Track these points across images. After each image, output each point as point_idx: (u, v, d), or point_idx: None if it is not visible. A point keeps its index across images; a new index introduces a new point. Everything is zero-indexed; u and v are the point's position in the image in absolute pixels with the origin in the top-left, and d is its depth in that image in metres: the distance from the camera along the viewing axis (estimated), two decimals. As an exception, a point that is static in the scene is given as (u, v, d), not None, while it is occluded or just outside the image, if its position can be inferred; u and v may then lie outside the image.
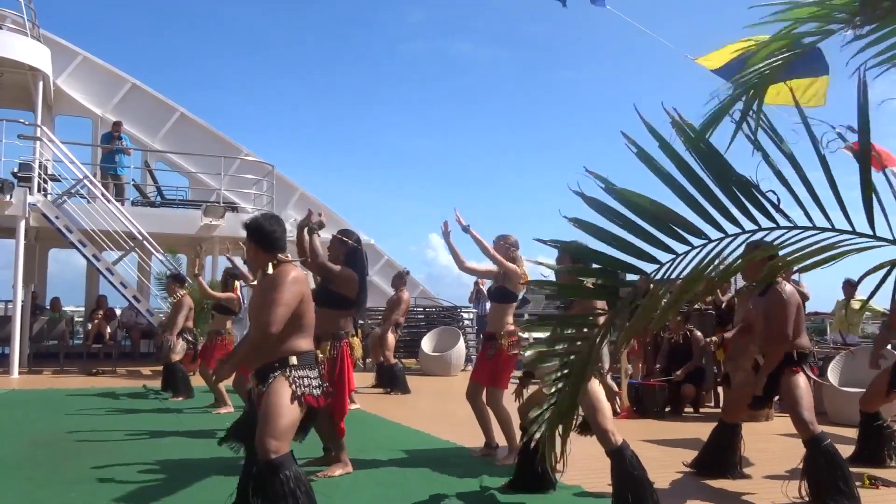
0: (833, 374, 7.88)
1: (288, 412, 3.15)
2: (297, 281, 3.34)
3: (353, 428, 5.56)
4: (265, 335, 3.17)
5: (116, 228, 12.51)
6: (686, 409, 8.23)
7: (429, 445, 5.36)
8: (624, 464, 3.83)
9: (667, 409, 8.09)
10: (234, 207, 14.73)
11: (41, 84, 13.59)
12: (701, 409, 8.37)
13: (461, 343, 12.98)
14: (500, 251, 5.55)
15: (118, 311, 14.90)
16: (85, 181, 12.89)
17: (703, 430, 6.48)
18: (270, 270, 3.39)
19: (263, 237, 3.52)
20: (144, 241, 12.79)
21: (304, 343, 3.37)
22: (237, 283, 8.33)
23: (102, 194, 12.93)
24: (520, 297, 5.81)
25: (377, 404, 8.10)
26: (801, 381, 4.57)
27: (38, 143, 12.77)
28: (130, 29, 53.60)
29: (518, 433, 5.32)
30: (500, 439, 5.55)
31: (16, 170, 13.08)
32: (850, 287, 10.23)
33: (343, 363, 4.87)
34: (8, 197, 11.65)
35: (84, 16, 45.87)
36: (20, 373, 11.07)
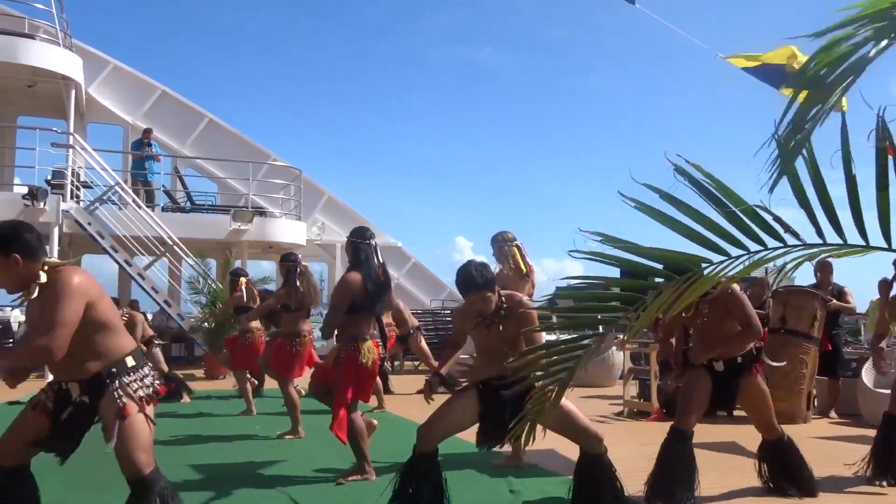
0: (868, 375, 7.73)
1: (142, 423, 3.02)
2: (79, 290, 2.96)
3: (387, 433, 5.58)
4: (46, 355, 2.87)
5: (147, 234, 12.69)
6: (718, 412, 8.11)
7: (458, 449, 5.34)
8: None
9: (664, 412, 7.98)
10: (262, 212, 14.88)
11: (73, 93, 13.82)
12: (734, 412, 8.24)
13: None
14: (495, 250, 5.71)
15: (150, 316, 15.10)
16: (116, 188, 13.10)
17: (735, 433, 6.42)
18: (44, 279, 3.01)
19: (26, 244, 3.03)
20: (175, 246, 12.95)
21: (127, 340, 3.14)
22: (242, 280, 8.45)
23: (133, 200, 13.13)
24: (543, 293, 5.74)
25: (413, 410, 8.10)
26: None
27: (70, 150, 12.99)
28: (158, 37, 54.35)
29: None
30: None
31: (49, 177, 13.32)
32: (885, 286, 10.02)
33: (346, 366, 4.77)
34: (42, 204, 11.86)
35: (113, 25, 46.62)
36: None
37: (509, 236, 5.72)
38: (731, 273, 2.02)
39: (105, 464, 3.18)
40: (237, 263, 13.70)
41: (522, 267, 5.61)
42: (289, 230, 14.76)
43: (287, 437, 6.48)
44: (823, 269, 8.19)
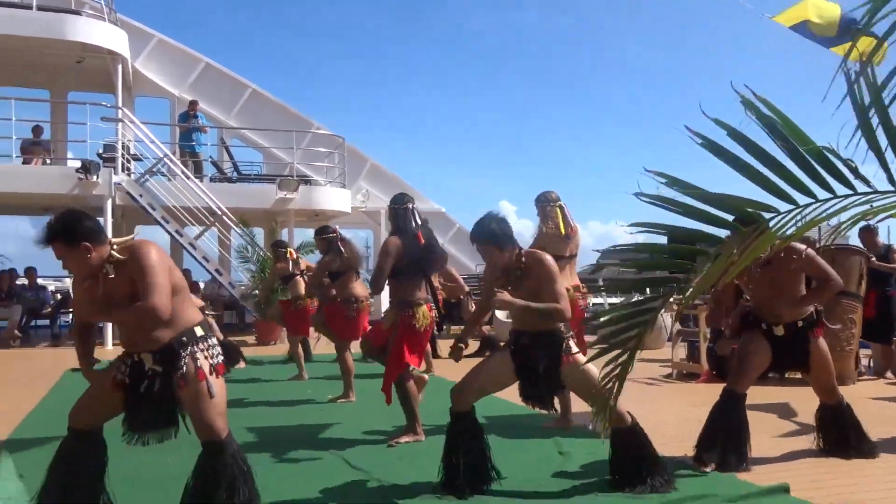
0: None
1: (221, 388, 3.13)
2: (161, 257, 3.06)
3: (435, 396, 5.64)
4: (155, 318, 2.96)
5: (196, 204, 12.92)
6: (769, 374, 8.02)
7: (507, 412, 5.40)
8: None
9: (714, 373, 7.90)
10: (307, 180, 15.00)
11: (120, 67, 14.04)
12: (785, 375, 8.15)
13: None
14: (538, 209, 5.66)
15: (202, 285, 15.43)
16: (165, 160, 13.33)
17: (786, 395, 6.35)
18: (120, 256, 3.07)
19: (90, 231, 3.07)
20: (223, 216, 13.18)
21: (194, 312, 3.22)
22: (289, 249, 8.59)
23: (182, 172, 13.35)
24: (568, 255, 5.67)
25: (461, 374, 8.19)
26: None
27: (119, 124, 13.23)
28: (200, 9, 54.69)
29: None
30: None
31: (100, 151, 13.62)
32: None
33: (400, 330, 4.87)
34: (95, 177, 12.15)
35: (157, -2, 47.01)
36: (114, 344, 11.64)
37: (553, 196, 5.67)
38: (799, 224, 1.87)
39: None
40: (283, 232, 13.92)
41: (562, 229, 5.56)
42: (334, 198, 14.87)
43: (339, 401, 6.62)
44: (868, 233, 7.98)
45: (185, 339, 3.09)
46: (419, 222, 5.05)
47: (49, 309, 13.55)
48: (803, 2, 5.61)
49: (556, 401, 4.32)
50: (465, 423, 3.85)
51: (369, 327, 6.71)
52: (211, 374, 3.10)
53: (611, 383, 2.32)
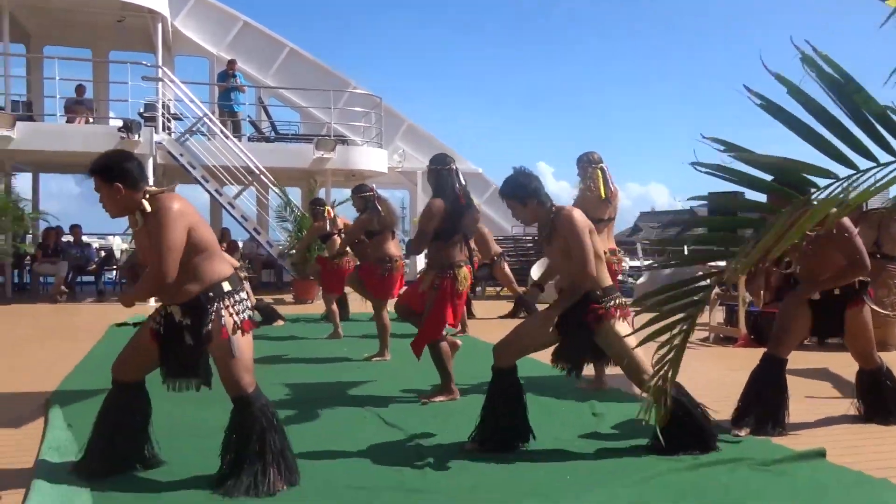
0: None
1: (247, 344, 3.21)
2: (182, 214, 3.12)
3: (469, 356, 5.69)
4: (164, 284, 3.06)
5: (235, 164, 13.03)
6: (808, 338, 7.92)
7: (540, 373, 5.42)
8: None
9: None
10: (344, 140, 15.01)
11: (160, 26, 14.11)
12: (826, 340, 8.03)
13: (618, 296, 12.81)
14: (579, 169, 5.61)
15: (240, 244, 15.64)
16: (205, 119, 13.43)
17: (825, 360, 6.27)
18: (148, 208, 3.15)
19: (128, 174, 3.17)
20: (262, 176, 13.28)
21: (223, 266, 3.27)
22: (327, 208, 8.63)
23: (221, 131, 13.45)
24: (607, 218, 5.60)
25: (495, 334, 8.22)
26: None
27: (160, 83, 13.34)
28: (240, -34, 54.45)
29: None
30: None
31: (141, 110, 13.78)
32: None
33: (440, 293, 4.88)
34: (136, 136, 12.31)
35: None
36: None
37: (595, 157, 5.57)
38: (860, 190, 1.73)
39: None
40: (321, 192, 13.99)
41: (602, 192, 5.49)
42: (371, 158, 14.88)
43: (374, 359, 6.70)
44: None
45: (211, 294, 3.18)
46: (462, 183, 5.04)
47: (94, 266, 13.87)
48: None
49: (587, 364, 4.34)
50: (508, 380, 3.87)
51: (404, 288, 6.77)
52: (235, 332, 3.17)
53: (665, 368, 2.23)
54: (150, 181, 12.23)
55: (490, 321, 9.60)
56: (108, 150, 3.39)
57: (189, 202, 3.25)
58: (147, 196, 3.19)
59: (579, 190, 5.57)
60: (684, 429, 3.65)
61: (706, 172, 1.87)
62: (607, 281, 3.86)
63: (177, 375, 3.34)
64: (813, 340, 7.75)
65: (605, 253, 5.39)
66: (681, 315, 2.15)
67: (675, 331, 2.17)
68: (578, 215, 3.79)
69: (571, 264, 3.75)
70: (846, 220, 4.11)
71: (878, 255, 7.43)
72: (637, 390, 4.15)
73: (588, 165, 5.53)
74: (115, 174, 3.16)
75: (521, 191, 3.85)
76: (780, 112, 1.73)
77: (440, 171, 5.02)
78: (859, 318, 4.26)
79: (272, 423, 3.24)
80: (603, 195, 5.49)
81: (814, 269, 4.27)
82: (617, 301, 3.77)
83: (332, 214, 8.74)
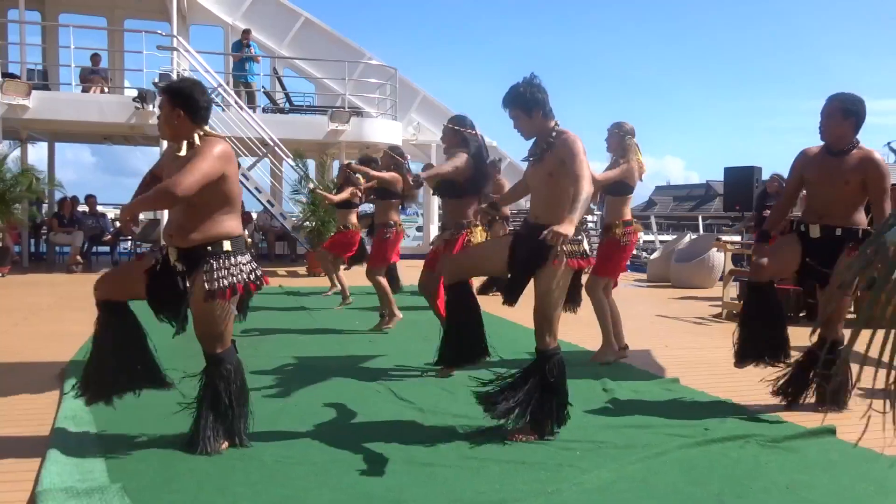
0: None
1: (228, 307, 3.25)
2: (224, 157, 3.18)
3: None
4: (170, 196, 3.05)
5: (249, 135, 13.03)
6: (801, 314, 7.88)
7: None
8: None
9: (801, 314, 7.78)
10: (358, 112, 14.96)
11: (175, -6, 14.06)
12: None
13: (585, 245, 12.83)
14: (615, 139, 5.46)
15: (254, 216, 15.67)
16: (219, 89, 13.41)
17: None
18: (198, 142, 3.22)
19: (193, 104, 3.26)
20: (276, 147, 13.27)
21: (235, 225, 3.29)
22: (359, 177, 8.53)
23: (236, 102, 13.43)
24: (644, 194, 5.63)
25: (495, 306, 8.22)
26: None
27: (175, 53, 13.31)
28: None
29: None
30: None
31: (156, 80, 13.76)
32: None
33: (459, 249, 4.92)
34: (151, 107, 12.32)
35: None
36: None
37: (629, 128, 5.48)
38: None
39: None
40: (335, 164, 13.96)
41: (642, 164, 5.48)
42: (385, 130, 14.82)
43: (385, 327, 6.74)
44: None
45: (209, 247, 3.22)
46: (486, 145, 5.16)
47: (109, 236, 13.97)
48: None
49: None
50: (457, 294, 3.86)
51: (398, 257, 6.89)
52: (219, 293, 3.20)
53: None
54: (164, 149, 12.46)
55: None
56: (186, 78, 3.57)
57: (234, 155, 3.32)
58: (202, 133, 3.27)
59: (613, 161, 5.49)
60: None
61: None
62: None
63: (161, 311, 3.43)
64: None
65: (617, 223, 5.41)
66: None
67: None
68: (580, 143, 3.59)
69: (555, 190, 3.57)
70: (881, 159, 4.03)
71: None
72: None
73: (626, 136, 5.45)
74: (180, 99, 3.25)
75: (528, 101, 3.64)
76: None
77: (467, 134, 5.06)
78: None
79: (230, 386, 3.32)
80: (644, 168, 5.49)
81: (822, 198, 4.14)
82: (580, 249, 3.60)
83: (364, 185, 8.57)
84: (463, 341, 3.88)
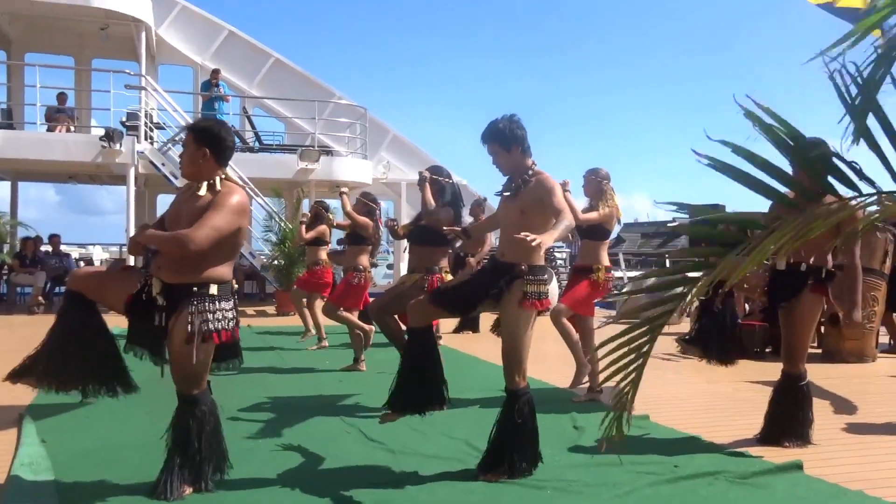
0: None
1: (206, 352, 3.21)
2: (241, 211, 3.19)
3: (447, 367, 5.66)
4: (184, 249, 3.05)
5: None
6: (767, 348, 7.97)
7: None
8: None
9: (767, 350, 7.87)
10: (328, 151, 14.99)
11: (144, 34, 14.05)
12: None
13: (554, 283, 12.89)
14: (592, 185, 5.51)
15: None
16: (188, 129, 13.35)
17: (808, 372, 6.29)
18: (219, 186, 3.23)
19: (220, 145, 3.27)
20: (245, 186, 13.19)
21: (227, 271, 3.27)
22: (330, 215, 8.52)
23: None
24: (614, 234, 5.72)
25: (470, 344, 8.21)
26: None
27: (143, 92, 13.27)
28: (225, -24, 54.41)
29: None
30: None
31: (124, 119, 13.69)
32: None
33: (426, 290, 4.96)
34: (118, 146, 12.22)
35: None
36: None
37: (605, 173, 5.56)
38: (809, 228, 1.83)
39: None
40: (305, 202, 13.94)
41: (619, 209, 5.55)
42: (355, 169, 14.86)
43: (361, 363, 6.75)
44: None
45: (195, 288, 3.17)
46: (460, 197, 5.30)
47: (74, 275, 13.70)
48: None
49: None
50: (419, 339, 3.77)
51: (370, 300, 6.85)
52: (198, 337, 3.14)
53: (627, 388, 2.24)
54: (132, 192, 12.25)
55: (462, 332, 9.59)
56: (212, 118, 3.56)
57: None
58: (222, 177, 3.27)
59: (589, 205, 5.54)
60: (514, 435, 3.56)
61: (707, 164, 1.89)
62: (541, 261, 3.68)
63: (136, 343, 3.34)
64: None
65: (599, 268, 5.45)
66: (648, 323, 2.22)
67: (643, 338, 2.24)
68: (554, 182, 3.63)
69: (526, 227, 3.48)
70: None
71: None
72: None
73: (601, 181, 5.52)
74: (208, 139, 3.26)
75: (508, 137, 3.66)
76: (727, 168, 1.86)
77: (451, 183, 5.23)
78: (813, 307, 4.15)
79: (203, 428, 3.26)
80: (620, 213, 5.55)
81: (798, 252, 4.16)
82: (543, 290, 3.60)
83: (333, 223, 8.54)
84: (416, 388, 3.73)
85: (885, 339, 8.33)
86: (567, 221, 3.42)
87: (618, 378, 2.30)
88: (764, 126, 1.78)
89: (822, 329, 8.00)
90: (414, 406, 3.75)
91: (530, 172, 3.68)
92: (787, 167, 1.88)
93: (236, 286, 3.42)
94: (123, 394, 3.51)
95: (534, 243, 3.18)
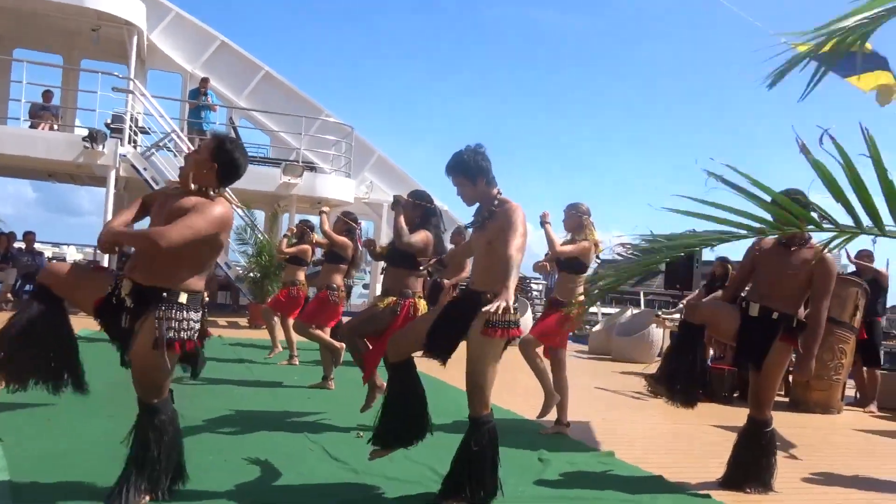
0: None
1: (167, 361, 3.13)
2: (221, 222, 3.17)
3: (433, 396, 5.65)
4: (153, 244, 3.01)
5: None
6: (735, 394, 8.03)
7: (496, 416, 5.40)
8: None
9: (735, 395, 7.92)
10: (312, 167, 14.99)
11: (135, 38, 14.04)
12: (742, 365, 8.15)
13: (529, 314, 12.97)
14: (572, 220, 5.55)
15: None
16: (172, 135, 13.31)
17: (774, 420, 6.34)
18: (211, 193, 3.25)
19: (230, 167, 3.29)
20: (237, 207, 13.13)
21: (198, 282, 3.23)
22: (314, 235, 8.45)
23: (188, 148, 13.32)
24: (592, 268, 5.72)
25: (442, 370, 8.16)
26: None
27: (130, 96, 13.22)
28: (222, -13, 54.60)
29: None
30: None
31: (109, 121, 13.61)
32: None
33: (403, 319, 4.94)
34: (101, 147, 12.14)
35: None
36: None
37: (586, 208, 5.62)
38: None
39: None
40: (285, 217, 13.91)
41: (598, 243, 5.58)
42: (337, 187, 14.86)
43: (331, 379, 6.74)
44: (861, 257, 8.00)
45: (165, 294, 3.12)
46: (441, 222, 5.24)
47: (45, 274, 13.51)
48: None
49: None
50: (401, 373, 3.75)
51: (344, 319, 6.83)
52: (162, 344, 3.08)
53: None
54: (111, 194, 12.13)
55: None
56: (222, 133, 3.58)
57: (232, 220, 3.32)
58: (216, 191, 3.28)
59: (570, 238, 5.57)
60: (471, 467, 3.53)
61: (718, 179, 2.00)
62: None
63: (107, 329, 3.29)
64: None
65: (574, 303, 5.46)
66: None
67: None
68: (522, 212, 3.62)
69: (493, 258, 3.53)
70: (832, 260, 4.18)
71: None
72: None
73: (582, 216, 5.56)
74: (224, 157, 3.26)
75: (472, 169, 3.65)
76: (697, 214, 1.97)
77: (434, 208, 5.17)
78: (782, 356, 4.19)
79: (161, 438, 3.19)
80: (600, 248, 5.58)
81: (766, 283, 4.26)
82: (513, 319, 3.53)
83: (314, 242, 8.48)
84: (401, 423, 3.73)
85: (850, 391, 8.42)
86: (514, 262, 3.41)
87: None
88: (728, 182, 1.89)
89: (791, 378, 8.07)
90: (400, 440, 3.76)
91: (496, 202, 3.68)
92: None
93: (207, 299, 3.38)
94: (74, 391, 3.42)
95: (500, 310, 3.27)
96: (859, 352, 7.85)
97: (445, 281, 8.41)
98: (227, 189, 3.36)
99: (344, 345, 6.52)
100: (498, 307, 3.22)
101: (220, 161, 3.26)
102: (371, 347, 5.11)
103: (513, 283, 3.35)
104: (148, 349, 3.09)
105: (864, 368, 8.07)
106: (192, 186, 3.25)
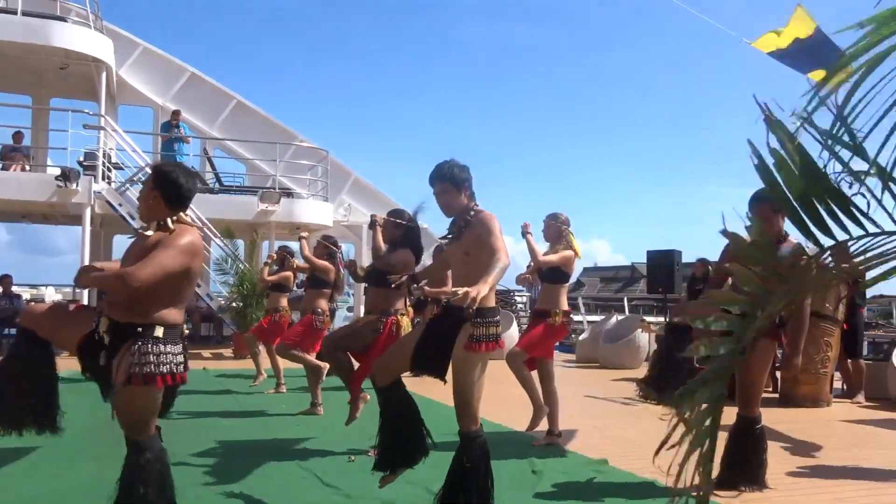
0: (899, 359, 7.67)
1: (149, 396, 3.09)
2: (190, 251, 3.11)
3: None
4: (124, 286, 2.97)
5: (177, 215, 12.80)
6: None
7: (487, 430, 5.38)
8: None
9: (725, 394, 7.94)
10: (289, 193, 14.96)
11: (104, 75, 13.96)
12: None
13: (514, 327, 12.97)
14: (552, 230, 5.59)
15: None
16: (147, 169, 13.23)
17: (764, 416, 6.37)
18: (171, 227, 3.17)
19: (172, 188, 3.21)
20: (203, 227, 13.07)
21: (176, 315, 3.18)
22: (294, 260, 8.40)
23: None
24: (574, 278, 5.78)
25: (429, 387, 8.13)
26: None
27: (101, 132, 13.14)
28: (186, 19, 54.66)
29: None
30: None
31: (81, 159, 13.52)
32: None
33: (386, 337, 4.97)
34: (74, 185, 12.05)
35: (143, 6, 46.97)
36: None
37: (565, 218, 5.66)
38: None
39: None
40: (265, 244, 13.84)
41: (578, 251, 5.61)
42: (316, 211, 14.83)
43: (319, 405, 6.71)
44: None
45: (140, 329, 3.06)
46: (420, 241, 5.24)
47: (24, 317, 13.34)
48: (787, 27, 5.53)
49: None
50: (391, 396, 3.76)
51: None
52: (140, 380, 3.02)
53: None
54: (87, 231, 12.01)
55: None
56: (170, 163, 3.44)
57: (202, 250, 3.23)
58: (176, 219, 3.19)
59: (553, 249, 5.60)
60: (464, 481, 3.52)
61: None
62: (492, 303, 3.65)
63: (90, 373, 3.24)
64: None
65: (557, 312, 5.48)
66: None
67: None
68: (497, 220, 3.64)
69: (472, 268, 3.51)
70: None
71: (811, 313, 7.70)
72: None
73: (562, 226, 5.60)
74: (161, 182, 3.18)
75: (457, 178, 3.69)
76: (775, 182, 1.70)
77: (415, 227, 5.17)
78: (766, 353, 4.21)
79: (148, 477, 3.11)
80: (579, 255, 5.62)
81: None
82: (495, 332, 3.55)
83: (295, 267, 8.43)
84: (401, 444, 3.74)
85: (839, 384, 8.48)
86: (502, 263, 3.39)
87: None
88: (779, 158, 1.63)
89: (778, 374, 8.13)
90: (406, 461, 3.76)
91: (472, 213, 3.70)
92: None
93: (188, 331, 3.34)
94: (49, 434, 3.40)
95: (468, 299, 3.14)
96: (842, 343, 7.92)
97: (427, 288, 8.43)
98: (187, 214, 3.28)
99: (327, 364, 6.51)
100: (466, 293, 3.12)
101: (160, 186, 3.20)
102: (356, 364, 5.12)
103: (493, 279, 3.32)
104: (124, 385, 3.05)
105: (849, 360, 8.15)
106: (150, 223, 3.20)
